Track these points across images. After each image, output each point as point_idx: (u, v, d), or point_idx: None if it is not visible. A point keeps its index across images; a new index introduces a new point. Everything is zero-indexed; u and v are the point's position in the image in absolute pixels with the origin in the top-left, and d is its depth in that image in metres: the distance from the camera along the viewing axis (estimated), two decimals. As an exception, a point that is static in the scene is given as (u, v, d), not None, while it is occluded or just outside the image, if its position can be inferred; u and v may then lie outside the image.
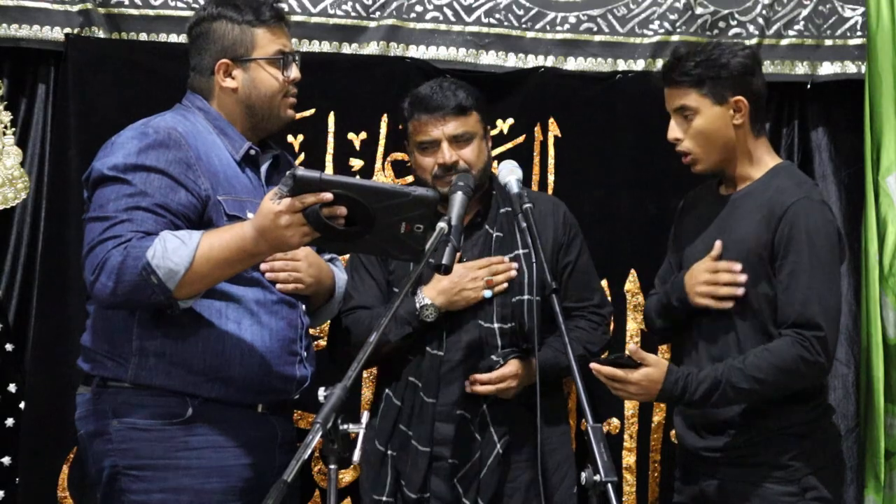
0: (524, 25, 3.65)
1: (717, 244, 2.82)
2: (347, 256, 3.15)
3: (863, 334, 3.42)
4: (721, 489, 2.81)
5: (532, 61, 3.64)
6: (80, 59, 3.46)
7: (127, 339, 2.53)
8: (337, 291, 2.88)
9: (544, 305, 2.88)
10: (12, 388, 3.46)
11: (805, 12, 3.69)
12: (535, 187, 3.57)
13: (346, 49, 3.61)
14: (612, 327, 3.31)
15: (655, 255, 3.26)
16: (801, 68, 3.70)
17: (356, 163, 3.57)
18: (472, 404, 2.94)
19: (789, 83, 3.67)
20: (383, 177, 3.57)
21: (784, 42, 3.69)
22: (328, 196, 2.24)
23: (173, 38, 3.50)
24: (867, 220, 3.41)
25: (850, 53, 3.68)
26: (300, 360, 2.67)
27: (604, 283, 3.39)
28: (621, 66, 3.67)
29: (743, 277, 2.76)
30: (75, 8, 3.49)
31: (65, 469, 3.41)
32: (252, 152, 2.69)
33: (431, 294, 2.91)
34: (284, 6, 2.80)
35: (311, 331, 2.82)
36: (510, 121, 3.60)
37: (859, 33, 3.66)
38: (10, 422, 3.44)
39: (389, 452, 2.94)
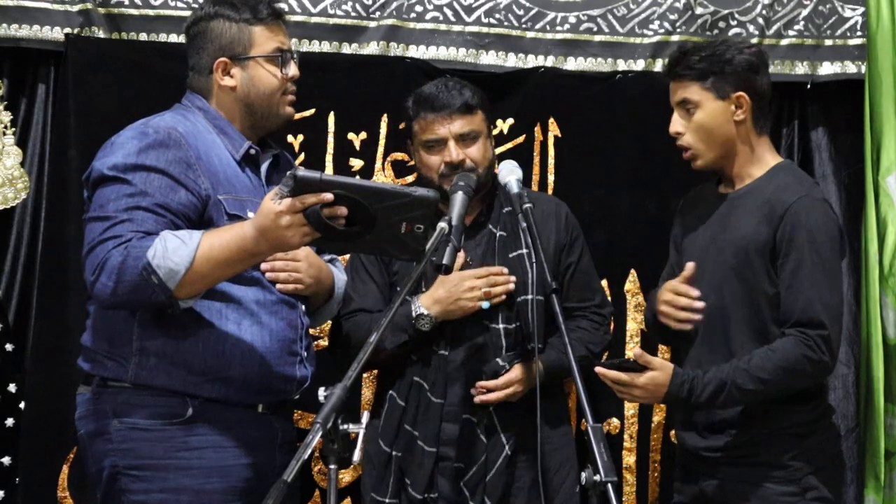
0: (524, 25, 3.65)
1: (690, 265, 2.80)
2: (347, 257, 3.15)
3: (863, 334, 3.42)
4: (721, 489, 2.81)
5: (532, 61, 3.64)
6: (80, 59, 3.46)
7: (127, 339, 2.53)
8: (336, 292, 2.88)
9: (546, 305, 2.88)
10: (12, 388, 3.46)
11: (805, 12, 3.69)
12: (535, 187, 3.57)
13: (346, 49, 3.61)
14: (612, 327, 3.31)
15: (655, 255, 3.26)
16: (801, 68, 3.70)
17: (356, 163, 3.57)
18: (479, 406, 2.94)
19: (789, 83, 3.66)
20: (383, 177, 3.57)
21: (784, 42, 3.69)
22: (329, 196, 2.24)
23: (173, 38, 3.50)
24: (867, 220, 3.41)
25: (850, 53, 3.68)
26: (300, 361, 2.67)
27: (604, 283, 3.39)
28: (621, 66, 3.67)
29: (699, 304, 2.76)
30: (75, 8, 3.49)
31: (65, 469, 3.41)
32: (252, 151, 2.69)
33: (427, 303, 2.90)
34: (284, 6, 2.80)
35: (311, 331, 2.82)
36: (510, 121, 3.60)
37: (859, 33, 3.66)
38: (10, 422, 3.45)
39: (394, 453, 2.94)
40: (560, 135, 3.63)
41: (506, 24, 3.65)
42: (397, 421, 2.95)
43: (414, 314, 2.89)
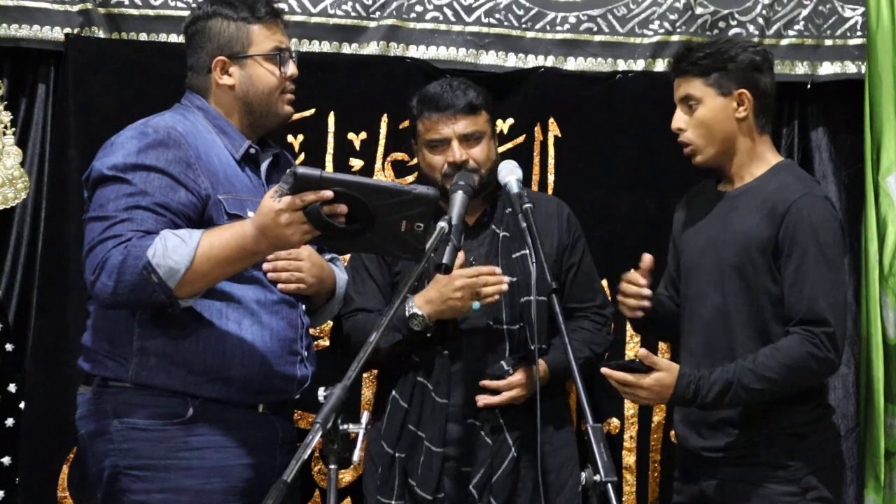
0: (524, 25, 3.65)
1: (646, 257, 2.83)
2: (348, 257, 3.15)
3: (863, 334, 3.42)
4: (721, 489, 2.81)
5: (532, 61, 3.64)
6: (80, 59, 3.46)
7: (128, 339, 2.53)
8: (338, 292, 2.88)
9: (549, 306, 2.88)
10: (12, 388, 3.46)
11: (805, 12, 3.69)
12: (535, 187, 3.57)
13: (346, 49, 3.61)
14: (612, 327, 3.31)
15: (655, 254, 3.25)
16: (801, 68, 3.70)
17: (356, 163, 3.57)
18: (484, 407, 2.94)
19: (789, 83, 3.66)
20: (383, 177, 3.57)
21: (784, 42, 3.69)
22: (329, 194, 2.24)
23: (173, 38, 3.50)
24: (867, 220, 3.41)
25: (850, 53, 3.68)
26: (301, 360, 2.67)
27: (604, 282, 3.38)
28: (621, 66, 3.67)
29: (647, 292, 2.81)
30: (75, 8, 3.49)
31: (65, 469, 3.41)
32: (252, 151, 2.69)
33: (420, 303, 2.89)
34: (284, 6, 2.80)
35: (312, 331, 2.82)
36: (510, 121, 3.60)
37: (859, 33, 3.66)
38: (10, 422, 3.44)
39: (397, 455, 2.94)
40: (560, 135, 3.63)
41: (506, 24, 3.65)
42: (400, 422, 2.95)
43: (407, 314, 2.88)
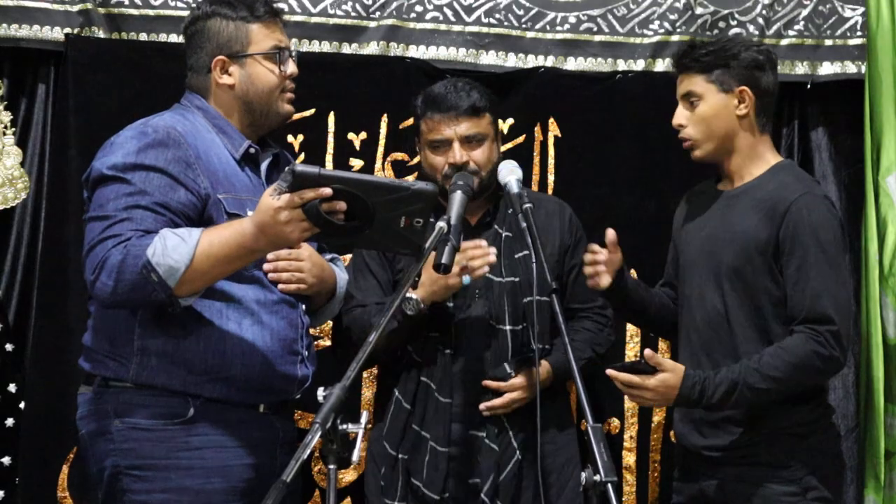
0: (524, 25, 3.65)
1: (609, 232, 2.86)
2: (349, 257, 3.15)
3: (863, 334, 3.42)
4: (721, 489, 2.81)
5: (532, 61, 3.64)
6: (79, 59, 3.46)
7: (128, 339, 2.53)
8: (338, 292, 2.88)
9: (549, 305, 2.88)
10: (12, 388, 3.46)
11: (805, 12, 3.69)
12: (535, 187, 3.57)
13: (346, 49, 3.61)
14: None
15: (655, 255, 3.26)
16: (801, 68, 3.70)
17: (356, 163, 3.57)
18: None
19: (789, 83, 3.66)
20: (383, 177, 3.57)
21: (784, 42, 3.69)
22: (327, 191, 2.24)
23: (173, 38, 3.50)
24: (867, 220, 3.41)
25: (850, 53, 3.68)
26: (301, 360, 2.66)
27: (604, 282, 3.39)
28: (621, 66, 3.67)
29: (601, 257, 2.85)
30: (75, 8, 3.49)
31: (65, 469, 3.41)
32: (252, 150, 2.69)
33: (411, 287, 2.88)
34: (283, 6, 2.80)
35: (312, 331, 2.82)
36: (510, 121, 3.60)
37: (859, 33, 3.66)
38: (10, 422, 3.45)
39: (401, 456, 2.94)
40: (560, 135, 3.63)
41: (506, 24, 3.65)
42: (403, 423, 2.95)
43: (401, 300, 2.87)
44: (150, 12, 3.55)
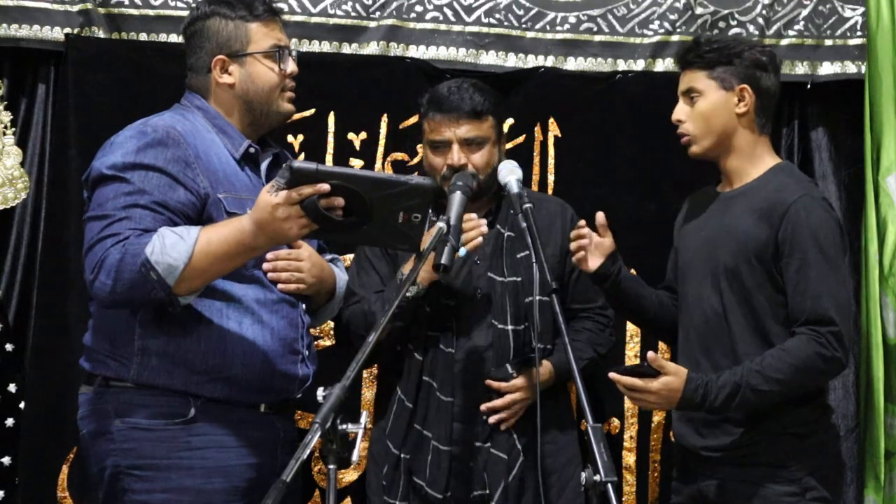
0: (524, 25, 3.65)
1: (599, 215, 2.86)
2: (349, 257, 3.15)
3: (863, 334, 3.41)
4: (720, 489, 2.81)
5: (532, 61, 3.64)
6: (79, 59, 3.47)
7: (129, 339, 2.53)
8: (338, 292, 2.88)
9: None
10: (12, 388, 3.46)
11: (805, 12, 3.69)
12: (535, 187, 3.57)
13: (346, 49, 3.61)
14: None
15: (655, 255, 3.26)
16: (801, 68, 3.70)
17: (356, 163, 3.57)
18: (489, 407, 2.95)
19: (789, 83, 3.66)
20: (383, 177, 3.57)
21: (784, 42, 3.69)
22: (325, 187, 2.24)
23: (173, 38, 3.50)
24: (867, 220, 3.41)
25: (850, 53, 3.68)
26: (302, 359, 2.67)
27: (605, 282, 3.39)
28: (621, 66, 3.67)
29: (584, 231, 2.85)
30: (75, 8, 3.50)
31: (65, 469, 3.41)
32: (252, 150, 2.69)
33: (411, 265, 2.88)
34: (283, 5, 2.80)
35: (312, 330, 2.82)
36: (510, 121, 3.59)
37: (859, 33, 3.66)
38: (10, 422, 3.45)
39: (403, 455, 2.94)
40: (560, 135, 3.63)
41: (506, 24, 3.65)
42: (406, 422, 2.94)
43: (398, 280, 2.87)
44: (150, 12, 3.55)
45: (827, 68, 3.69)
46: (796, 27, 3.69)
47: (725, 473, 2.81)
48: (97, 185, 2.52)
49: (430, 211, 2.37)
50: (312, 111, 3.54)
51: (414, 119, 3.52)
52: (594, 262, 2.87)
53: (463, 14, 3.63)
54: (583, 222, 2.89)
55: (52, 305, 3.44)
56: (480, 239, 2.85)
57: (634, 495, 3.54)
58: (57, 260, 3.45)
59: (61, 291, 3.43)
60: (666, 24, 3.66)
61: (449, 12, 3.63)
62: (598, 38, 3.67)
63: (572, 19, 3.66)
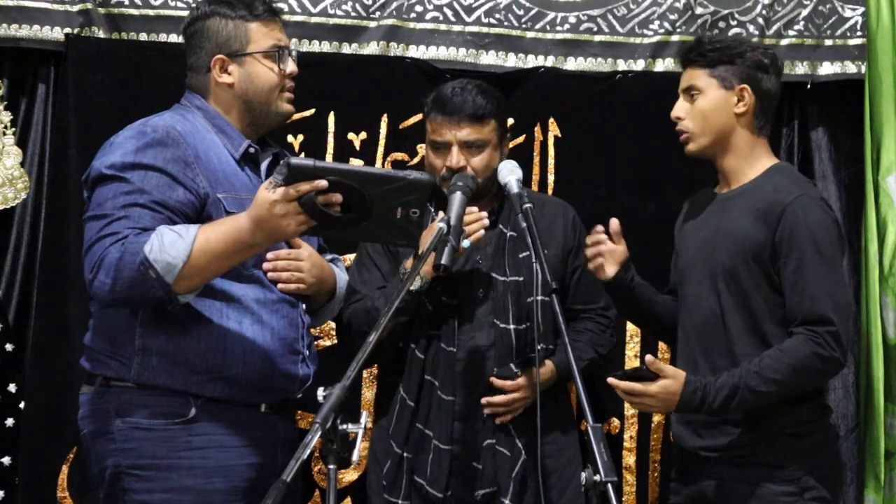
0: (524, 25, 3.65)
1: (613, 221, 2.87)
2: (349, 257, 3.15)
3: (863, 334, 3.42)
4: (719, 489, 2.81)
5: (532, 61, 3.64)
6: (79, 59, 3.47)
7: (129, 339, 2.53)
8: (338, 292, 2.88)
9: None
10: (12, 388, 3.46)
11: (805, 12, 3.69)
12: (535, 187, 3.57)
13: (346, 49, 3.61)
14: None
15: (655, 255, 3.26)
16: (801, 68, 3.70)
17: (356, 163, 3.56)
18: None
19: (789, 83, 3.66)
20: (383, 176, 3.56)
21: (784, 42, 3.69)
22: (323, 183, 2.24)
23: (173, 38, 3.50)
24: (867, 220, 3.41)
25: (850, 53, 3.68)
26: (302, 359, 2.66)
27: (604, 282, 3.39)
28: (621, 66, 3.67)
29: (601, 237, 2.87)
30: (75, 8, 3.50)
31: (65, 469, 3.41)
32: (251, 150, 2.69)
33: (410, 263, 2.86)
34: (283, 5, 2.80)
35: (312, 330, 2.82)
36: (510, 121, 3.59)
37: (859, 33, 3.66)
38: (10, 422, 3.45)
39: (405, 455, 2.94)
40: (560, 135, 3.63)
41: (506, 24, 3.65)
42: (408, 421, 2.94)
43: (402, 274, 2.87)
44: (150, 12, 3.55)
45: (827, 68, 3.69)
46: (796, 27, 3.69)
47: (724, 474, 2.81)
48: (97, 185, 2.52)
49: (431, 208, 2.37)
50: (312, 111, 3.54)
51: (414, 119, 3.52)
52: (611, 270, 2.88)
53: (463, 14, 3.64)
54: (600, 228, 2.89)
55: (52, 305, 3.44)
56: (483, 231, 2.85)
57: (634, 495, 3.55)
58: (57, 260, 3.45)
59: (61, 291, 3.43)
60: (666, 24, 3.66)
61: (449, 12, 3.63)
62: (598, 38, 3.67)
63: (572, 19, 3.66)
